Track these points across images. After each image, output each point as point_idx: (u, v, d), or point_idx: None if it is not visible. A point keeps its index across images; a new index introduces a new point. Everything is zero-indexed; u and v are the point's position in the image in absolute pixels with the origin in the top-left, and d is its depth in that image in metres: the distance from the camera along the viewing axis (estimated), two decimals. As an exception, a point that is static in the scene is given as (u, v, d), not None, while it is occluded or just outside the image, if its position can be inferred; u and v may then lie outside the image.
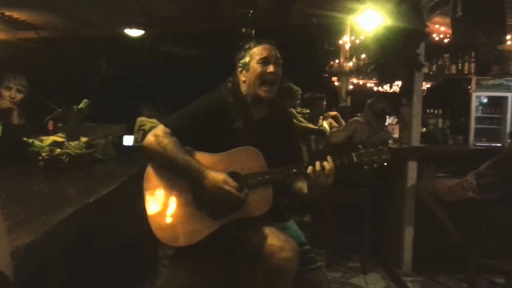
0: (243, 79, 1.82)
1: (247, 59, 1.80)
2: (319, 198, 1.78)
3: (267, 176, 1.68)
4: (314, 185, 1.67)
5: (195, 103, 1.80)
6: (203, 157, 1.71)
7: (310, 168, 1.63)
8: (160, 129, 1.71)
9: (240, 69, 1.83)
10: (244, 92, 1.82)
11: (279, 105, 1.98)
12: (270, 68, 1.76)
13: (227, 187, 1.61)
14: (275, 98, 1.87)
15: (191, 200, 1.68)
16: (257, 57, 1.77)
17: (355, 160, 1.68)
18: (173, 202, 1.68)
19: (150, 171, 1.72)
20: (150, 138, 1.70)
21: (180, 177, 1.68)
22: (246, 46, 1.82)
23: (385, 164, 1.68)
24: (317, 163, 1.63)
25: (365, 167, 1.68)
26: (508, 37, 4.70)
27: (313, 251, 1.86)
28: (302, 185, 1.80)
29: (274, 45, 1.83)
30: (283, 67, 1.84)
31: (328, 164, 1.62)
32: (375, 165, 1.68)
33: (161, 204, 1.68)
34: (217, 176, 1.62)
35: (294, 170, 1.69)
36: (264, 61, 1.77)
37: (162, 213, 1.67)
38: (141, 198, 1.69)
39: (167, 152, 1.65)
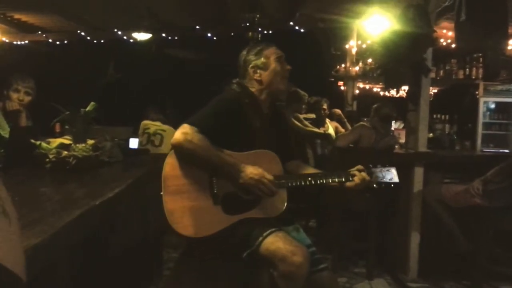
0: (259, 78, 1.92)
1: (263, 59, 1.92)
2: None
3: (291, 183, 1.77)
4: (349, 189, 1.84)
5: (214, 102, 1.84)
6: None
7: (358, 177, 1.80)
8: (187, 127, 1.70)
9: (253, 69, 1.93)
10: (255, 91, 1.92)
11: (276, 104, 2.13)
12: (288, 66, 1.97)
13: (266, 179, 1.68)
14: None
15: (208, 193, 1.70)
16: (273, 56, 1.94)
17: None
18: (189, 193, 1.69)
19: (170, 161, 1.72)
20: (178, 136, 1.68)
21: (203, 170, 1.72)
22: (258, 48, 1.95)
23: (375, 186, 1.87)
24: (362, 174, 1.81)
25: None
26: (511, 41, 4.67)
27: (318, 254, 1.85)
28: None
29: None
30: (289, 71, 1.99)
31: (365, 175, 1.82)
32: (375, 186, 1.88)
33: (177, 192, 1.69)
34: (256, 169, 1.69)
35: (319, 181, 1.80)
36: (280, 60, 1.95)
37: (177, 201, 1.68)
38: (148, 193, 1.70)
39: (199, 149, 1.67)
